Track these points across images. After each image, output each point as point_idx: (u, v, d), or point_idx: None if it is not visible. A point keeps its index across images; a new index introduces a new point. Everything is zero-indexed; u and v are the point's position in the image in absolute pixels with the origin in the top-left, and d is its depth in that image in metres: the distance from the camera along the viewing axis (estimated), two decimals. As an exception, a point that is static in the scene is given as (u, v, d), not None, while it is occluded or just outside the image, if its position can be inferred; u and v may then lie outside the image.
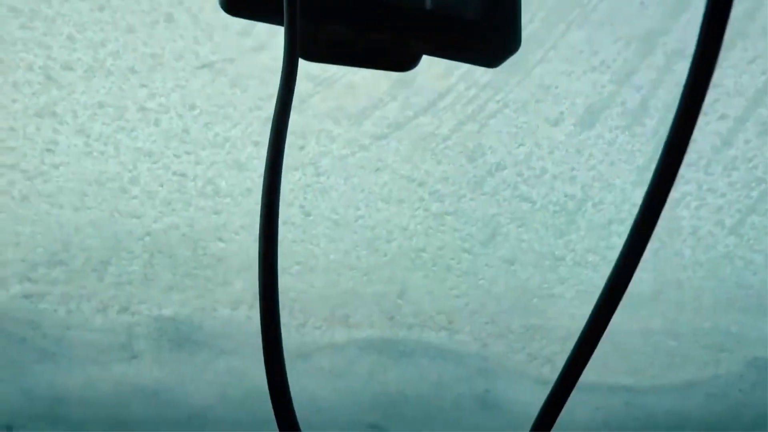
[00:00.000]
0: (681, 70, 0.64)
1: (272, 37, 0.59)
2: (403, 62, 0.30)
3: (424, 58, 0.30)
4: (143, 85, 0.56)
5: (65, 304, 0.69)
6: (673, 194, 0.64)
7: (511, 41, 0.30)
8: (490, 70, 0.61)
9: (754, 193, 0.73)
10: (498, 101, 0.62)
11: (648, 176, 0.62)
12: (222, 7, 0.26)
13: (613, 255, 0.69)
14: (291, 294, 0.73)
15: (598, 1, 0.60)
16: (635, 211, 0.69)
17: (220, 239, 0.67)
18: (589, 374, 0.75)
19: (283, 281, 0.72)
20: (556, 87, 0.61)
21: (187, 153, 0.61)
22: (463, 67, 0.60)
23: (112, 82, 0.56)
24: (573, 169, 0.68)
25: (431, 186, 0.66)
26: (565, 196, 0.70)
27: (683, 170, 0.62)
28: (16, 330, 0.69)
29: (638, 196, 0.74)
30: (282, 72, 0.25)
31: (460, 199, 0.68)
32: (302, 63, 0.27)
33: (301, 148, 0.61)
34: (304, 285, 0.73)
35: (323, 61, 0.30)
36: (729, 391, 0.93)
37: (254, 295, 0.71)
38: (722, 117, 0.66)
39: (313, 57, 0.29)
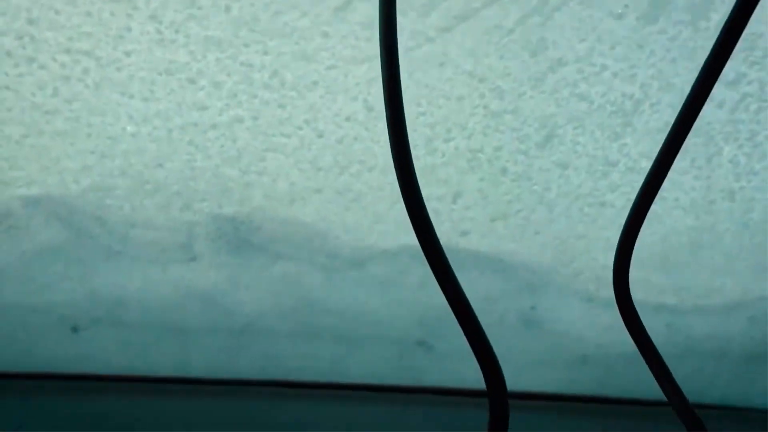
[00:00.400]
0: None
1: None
2: None
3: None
4: (216, -29, 0.57)
5: (130, 200, 0.71)
6: (734, 95, 0.64)
7: None
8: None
9: (815, 98, 0.73)
10: (563, -7, 0.62)
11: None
12: None
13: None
14: (349, 195, 0.74)
15: None
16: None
17: (283, 134, 0.68)
18: (636, 292, 0.76)
19: (342, 180, 0.74)
20: (622, -22, 0.61)
21: (256, 42, 0.62)
22: (531, -45, 0.60)
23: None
24: (633, 66, 0.68)
25: (492, 82, 0.67)
26: (623, 95, 0.70)
27: (745, 69, 0.62)
28: (85, 225, 0.71)
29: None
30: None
31: (519, 97, 0.68)
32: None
33: (368, 39, 0.62)
34: (362, 185, 0.74)
35: None
36: (773, 313, 0.93)
37: (312, 191, 0.72)
38: (788, 13, 0.66)
39: None
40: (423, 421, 0.84)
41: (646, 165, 0.78)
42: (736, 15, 0.22)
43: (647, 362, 0.24)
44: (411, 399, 0.89)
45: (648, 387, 0.92)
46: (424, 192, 0.77)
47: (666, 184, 0.82)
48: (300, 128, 0.68)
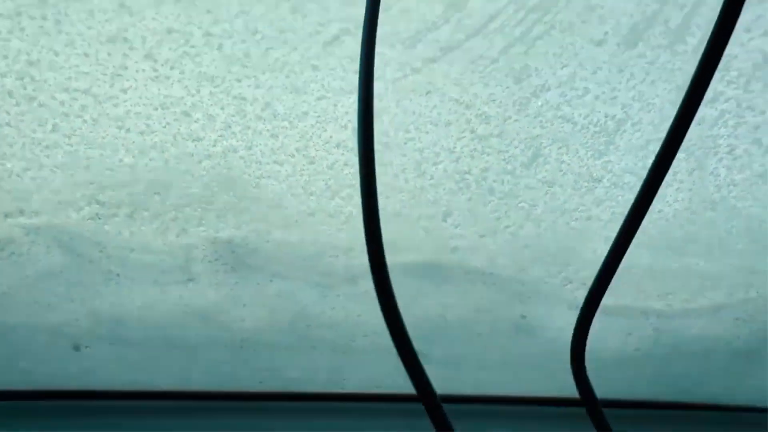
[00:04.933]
0: (723, -11, 0.66)
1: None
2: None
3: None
4: (209, 11, 0.59)
5: (129, 227, 0.73)
6: (711, 112, 0.67)
7: None
8: (538, -8, 0.63)
9: (792, 113, 0.76)
10: (545, 23, 0.64)
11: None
12: None
13: (650, 176, 0.71)
14: (341, 217, 0.77)
15: None
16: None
17: (276, 162, 0.70)
18: (622, 298, 0.79)
19: (333, 204, 0.76)
20: (602, 7, 0.64)
21: (247, 77, 0.64)
22: (513, -11, 0.62)
23: (180, 8, 0.59)
24: (614, 89, 0.70)
25: (478, 108, 0.69)
26: (606, 116, 0.72)
27: (723, 88, 0.64)
28: (85, 251, 0.73)
29: (671, 113, 0.76)
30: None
31: (505, 121, 0.70)
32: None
33: (356, 72, 0.64)
34: (353, 208, 0.76)
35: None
36: (757, 315, 0.96)
37: (307, 215, 0.74)
38: (765, 33, 0.68)
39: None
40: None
41: (630, 180, 0.80)
42: (716, 40, 0.24)
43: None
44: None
45: (635, 389, 0.95)
46: (415, 212, 0.79)
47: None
48: (292, 156, 0.70)
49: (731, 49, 0.72)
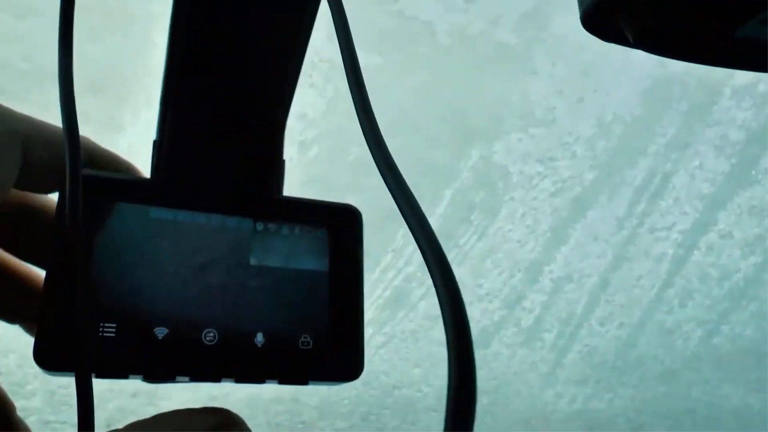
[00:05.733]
0: (571, 290, 0.64)
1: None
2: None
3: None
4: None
5: None
6: (587, 391, 0.62)
7: (351, 369, 0.27)
8: (374, 308, 0.61)
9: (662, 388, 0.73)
10: (385, 333, 0.61)
11: (553, 380, 0.60)
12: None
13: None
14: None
15: (476, 241, 0.59)
16: (548, 408, 0.66)
17: None
18: None
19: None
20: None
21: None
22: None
23: None
24: (478, 381, 0.67)
25: (330, 410, 0.66)
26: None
27: (590, 371, 0.60)
28: None
29: (548, 395, 0.73)
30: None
31: (362, 418, 0.67)
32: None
33: (156, 407, 0.61)
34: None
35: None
36: None
37: None
38: (621, 325, 0.66)
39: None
40: None
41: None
42: None
43: None
44: None
45: None
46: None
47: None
48: None
49: (591, 339, 0.69)
